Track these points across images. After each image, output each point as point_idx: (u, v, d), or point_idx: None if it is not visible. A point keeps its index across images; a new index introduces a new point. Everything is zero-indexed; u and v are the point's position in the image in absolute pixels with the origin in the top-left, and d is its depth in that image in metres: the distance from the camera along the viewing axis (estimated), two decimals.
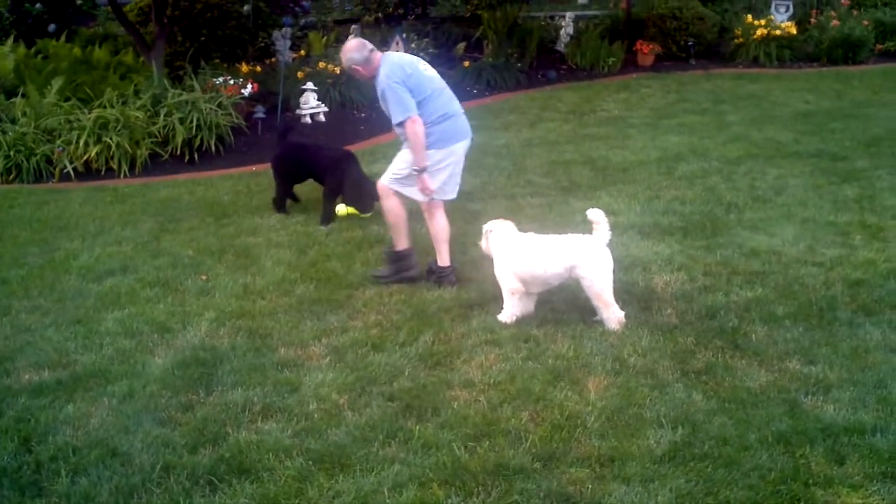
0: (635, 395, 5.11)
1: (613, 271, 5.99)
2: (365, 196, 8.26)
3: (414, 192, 6.79)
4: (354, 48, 6.79)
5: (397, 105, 6.57)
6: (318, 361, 5.64)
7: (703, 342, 5.73)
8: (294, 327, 6.15)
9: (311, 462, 4.56)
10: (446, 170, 6.76)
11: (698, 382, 5.25)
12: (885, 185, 8.81)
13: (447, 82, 7.02)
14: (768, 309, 6.18)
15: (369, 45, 6.80)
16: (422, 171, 6.61)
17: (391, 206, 6.89)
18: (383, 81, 6.61)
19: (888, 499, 4.21)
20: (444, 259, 6.88)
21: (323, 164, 8.62)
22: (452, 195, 6.92)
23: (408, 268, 6.97)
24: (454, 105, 6.86)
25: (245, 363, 5.65)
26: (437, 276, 6.86)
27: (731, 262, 6.98)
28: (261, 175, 10.02)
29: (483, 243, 6.32)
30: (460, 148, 6.83)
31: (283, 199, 8.86)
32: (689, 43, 15.74)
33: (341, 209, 8.57)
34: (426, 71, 6.81)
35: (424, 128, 6.57)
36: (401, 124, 6.58)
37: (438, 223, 6.87)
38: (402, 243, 6.98)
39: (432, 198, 6.77)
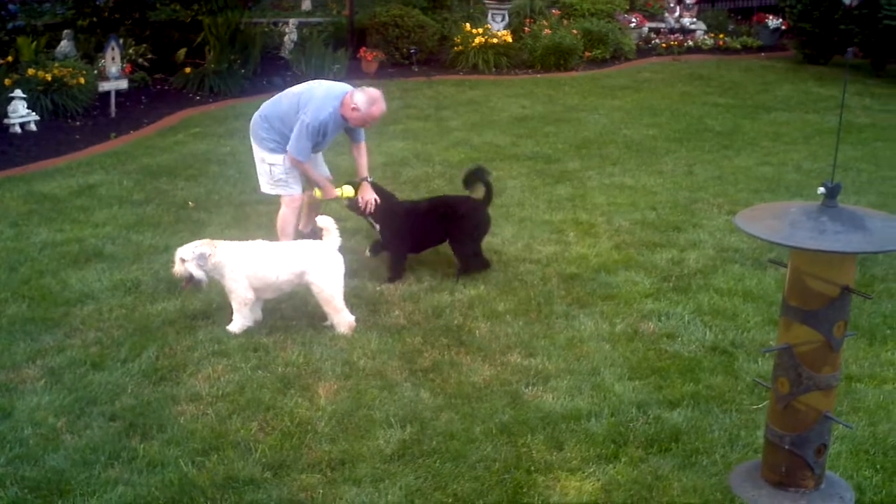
0: (365, 397, 5.17)
1: (343, 276, 6.05)
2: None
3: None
4: None
5: None
6: (33, 384, 5.31)
7: (430, 341, 5.88)
8: (5, 350, 5.75)
9: (26, 490, 4.32)
10: None
11: (426, 380, 5.39)
12: (594, 185, 9.37)
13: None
14: (491, 305, 6.42)
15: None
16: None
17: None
18: None
19: (603, 479, 4.49)
20: None
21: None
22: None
23: None
24: None
25: None
26: None
27: (455, 261, 7.19)
28: None
29: (177, 268, 5.99)
30: None
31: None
32: (412, 50, 16.06)
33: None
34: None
35: None
36: None
37: None
38: None
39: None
